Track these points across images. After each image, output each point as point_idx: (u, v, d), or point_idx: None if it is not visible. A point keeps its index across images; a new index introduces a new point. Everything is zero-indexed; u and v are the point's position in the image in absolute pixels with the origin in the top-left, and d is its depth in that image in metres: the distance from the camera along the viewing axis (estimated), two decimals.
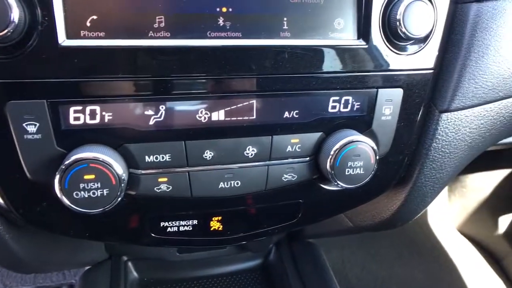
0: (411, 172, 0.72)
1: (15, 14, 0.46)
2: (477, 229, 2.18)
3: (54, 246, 0.81)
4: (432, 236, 2.17)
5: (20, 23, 0.46)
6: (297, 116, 0.60)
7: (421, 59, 0.62)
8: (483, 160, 2.03)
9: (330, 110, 0.62)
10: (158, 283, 1.08)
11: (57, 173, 0.51)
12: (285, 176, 0.63)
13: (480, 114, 0.69)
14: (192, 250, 1.06)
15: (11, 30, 0.46)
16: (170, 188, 0.59)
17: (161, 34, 0.52)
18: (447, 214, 2.27)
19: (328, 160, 0.61)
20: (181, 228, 0.64)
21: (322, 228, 1.07)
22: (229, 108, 0.58)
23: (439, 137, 0.68)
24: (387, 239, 2.06)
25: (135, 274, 1.07)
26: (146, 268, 1.08)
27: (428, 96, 0.66)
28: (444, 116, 0.67)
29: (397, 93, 0.63)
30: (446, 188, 2.29)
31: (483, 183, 2.13)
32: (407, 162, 0.70)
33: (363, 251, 1.96)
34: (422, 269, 1.97)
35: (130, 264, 1.07)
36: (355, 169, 0.61)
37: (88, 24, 0.50)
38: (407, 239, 2.11)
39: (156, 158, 0.56)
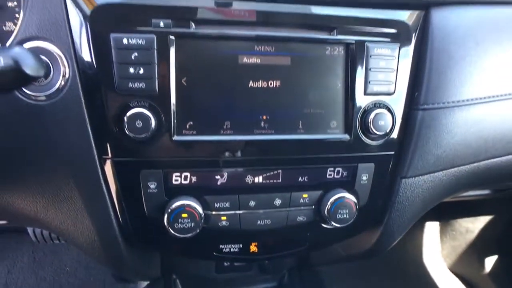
0: (382, 217, 1.04)
1: (153, 123, 0.83)
2: (466, 268, 2.41)
3: (141, 261, 1.16)
4: (425, 274, 2.41)
5: (154, 128, 0.84)
6: (306, 180, 0.96)
7: (385, 146, 0.97)
8: (469, 207, 2.33)
9: (327, 176, 0.97)
10: None
11: (165, 212, 0.88)
12: (298, 217, 0.98)
13: (428, 179, 1.04)
14: (227, 271, 1.41)
15: (151, 131, 0.83)
16: (228, 224, 0.94)
17: (227, 132, 0.89)
18: (439, 254, 2.53)
19: (326, 208, 0.96)
20: (232, 249, 0.99)
21: (324, 257, 1.41)
22: (265, 175, 0.94)
23: (400, 194, 1.03)
24: (385, 274, 2.33)
25: None
26: (190, 284, 1.41)
27: (392, 168, 1.02)
28: (404, 180, 1.02)
29: (371, 166, 0.99)
30: (438, 230, 2.57)
31: (470, 227, 2.40)
32: (379, 210, 1.06)
33: (363, 283, 2.24)
34: None
35: (178, 281, 1.41)
36: (343, 214, 0.96)
37: (187, 126, 0.88)
38: (403, 276, 2.37)
39: (221, 205, 0.92)
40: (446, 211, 2.45)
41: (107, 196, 0.88)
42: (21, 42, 0.79)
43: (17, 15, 0.82)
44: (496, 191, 1.45)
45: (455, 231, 2.49)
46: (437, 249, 2.54)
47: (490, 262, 2.35)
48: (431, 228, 2.56)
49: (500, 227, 2.32)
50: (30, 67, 0.61)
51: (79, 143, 0.84)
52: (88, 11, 0.80)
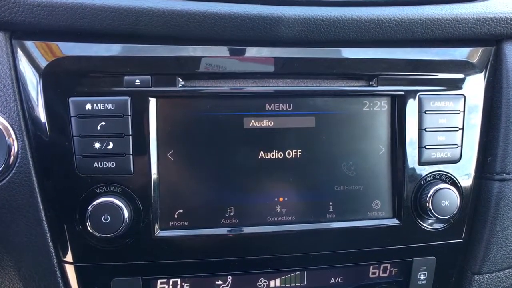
0: None
1: (126, 215, 0.61)
2: None
3: None
4: None
5: (129, 221, 0.61)
6: (341, 282, 0.71)
7: (450, 232, 0.72)
8: None
9: (370, 276, 0.72)
10: None
11: None
12: None
13: None
14: None
15: (123, 228, 0.61)
16: None
17: (231, 221, 0.66)
18: None
19: None
20: None
21: None
22: (284, 277, 0.69)
23: None
24: None
25: None
26: None
27: (460, 260, 0.75)
28: (477, 277, 0.75)
29: (431, 261, 0.73)
30: None
31: None
32: None
33: None
34: None
35: None
36: None
37: (175, 216, 0.65)
38: None
39: None
40: None
41: None
42: None
43: None
44: None
45: None
46: None
47: None
48: None
49: None
50: None
51: (32, 242, 0.64)
52: (42, 66, 0.61)
